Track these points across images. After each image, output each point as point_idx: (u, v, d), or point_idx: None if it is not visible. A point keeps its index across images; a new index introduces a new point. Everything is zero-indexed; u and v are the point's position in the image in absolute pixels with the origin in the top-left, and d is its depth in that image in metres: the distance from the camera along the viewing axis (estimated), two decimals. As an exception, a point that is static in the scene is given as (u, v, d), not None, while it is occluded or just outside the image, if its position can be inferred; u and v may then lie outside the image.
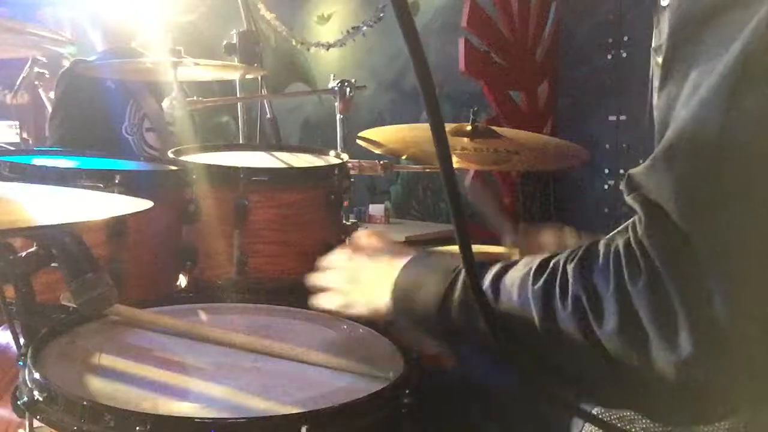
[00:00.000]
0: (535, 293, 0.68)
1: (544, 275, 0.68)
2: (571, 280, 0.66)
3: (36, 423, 0.76)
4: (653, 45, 0.77)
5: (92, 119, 2.59)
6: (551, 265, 0.69)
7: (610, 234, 0.69)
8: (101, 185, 1.17)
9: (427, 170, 1.73)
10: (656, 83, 0.65)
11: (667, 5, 0.62)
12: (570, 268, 0.67)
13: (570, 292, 0.65)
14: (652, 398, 0.64)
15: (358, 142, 1.78)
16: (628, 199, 0.62)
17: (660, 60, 0.64)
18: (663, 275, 0.59)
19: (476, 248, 1.68)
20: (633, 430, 0.84)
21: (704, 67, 0.58)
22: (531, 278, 0.69)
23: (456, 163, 1.67)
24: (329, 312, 0.95)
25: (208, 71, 2.17)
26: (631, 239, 0.63)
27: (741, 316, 0.57)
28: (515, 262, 0.73)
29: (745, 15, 0.55)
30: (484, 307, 0.68)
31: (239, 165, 1.40)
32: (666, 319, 0.59)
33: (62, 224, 0.81)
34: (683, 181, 0.58)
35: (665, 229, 0.58)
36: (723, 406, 0.69)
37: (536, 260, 0.71)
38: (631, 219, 0.64)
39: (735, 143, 0.55)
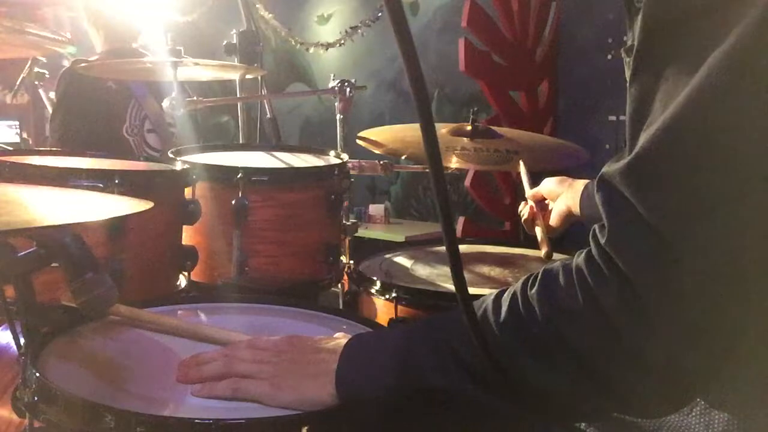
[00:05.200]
0: (504, 326, 0.68)
1: (505, 307, 0.69)
2: (537, 306, 0.66)
3: (36, 423, 0.75)
4: (626, 46, 0.77)
5: (93, 119, 2.59)
6: (509, 297, 0.70)
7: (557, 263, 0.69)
8: (101, 185, 1.17)
9: (427, 170, 1.72)
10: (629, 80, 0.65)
11: (642, 5, 0.62)
12: (533, 294, 0.67)
13: (539, 316, 0.66)
14: (634, 398, 0.65)
15: (358, 142, 1.77)
16: (598, 197, 0.63)
17: (630, 60, 0.64)
18: (632, 279, 0.59)
19: (476, 248, 1.69)
20: None
21: (682, 66, 0.58)
22: (492, 315, 0.70)
23: (456, 163, 1.67)
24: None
25: (208, 71, 2.17)
26: (593, 251, 0.63)
27: (716, 311, 0.58)
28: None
29: (728, 19, 0.55)
30: (482, 340, 0.67)
31: (239, 165, 1.39)
32: (639, 322, 0.59)
33: (62, 225, 0.81)
34: (662, 182, 0.58)
35: (636, 230, 0.59)
36: (698, 394, 0.70)
37: (488, 299, 0.72)
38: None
39: (715, 146, 0.56)
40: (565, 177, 1.50)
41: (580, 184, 1.43)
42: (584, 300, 0.63)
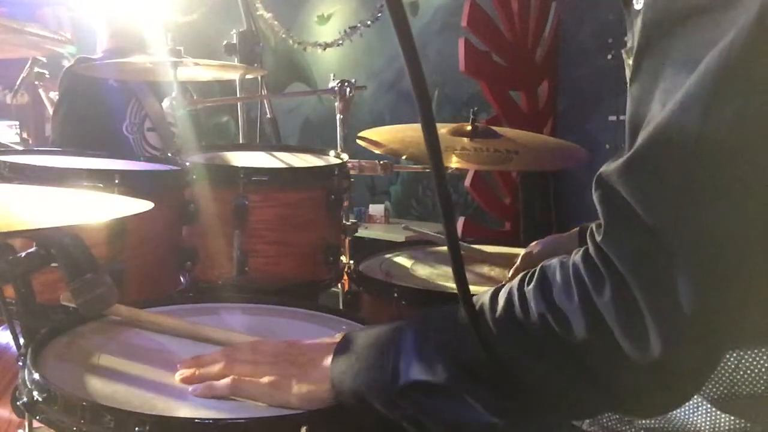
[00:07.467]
0: (499, 321, 0.68)
1: (501, 303, 0.69)
2: (532, 302, 0.67)
3: (36, 423, 0.76)
4: (626, 47, 0.78)
5: (93, 116, 2.59)
6: (505, 293, 0.70)
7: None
8: (101, 185, 1.17)
9: (427, 170, 1.73)
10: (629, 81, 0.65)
11: (641, 7, 0.63)
12: (529, 290, 0.68)
13: (534, 312, 0.66)
14: (627, 396, 0.65)
15: (358, 142, 1.78)
16: (595, 196, 0.63)
17: (631, 61, 0.64)
18: (627, 277, 0.59)
19: (476, 248, 1.68)
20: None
21: (680, 66, 0.58)
22: (488, 311, 0.70)
23: (456, 163, 1.67)
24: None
25: (208, 71, 2.17)
26: (590, 248, 0.63)
27: (709, 310, 0.58)
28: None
29: (725, 18, 0.55)
30: (478, 328, 0.67)
31: (239, 165, 1.40)
32: (633, 321, 0.59)
33: (62, 226, 0.81)
34: (659, 180, 0.58)
35: (632, 228, 0.59)
36: (694, 393, 0.71)
37: (485, 295, 0.72)
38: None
39: (712, 145, 0.56)
40: (558, 241, 1.45)
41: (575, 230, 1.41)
42: (579, 297, 0.63)
